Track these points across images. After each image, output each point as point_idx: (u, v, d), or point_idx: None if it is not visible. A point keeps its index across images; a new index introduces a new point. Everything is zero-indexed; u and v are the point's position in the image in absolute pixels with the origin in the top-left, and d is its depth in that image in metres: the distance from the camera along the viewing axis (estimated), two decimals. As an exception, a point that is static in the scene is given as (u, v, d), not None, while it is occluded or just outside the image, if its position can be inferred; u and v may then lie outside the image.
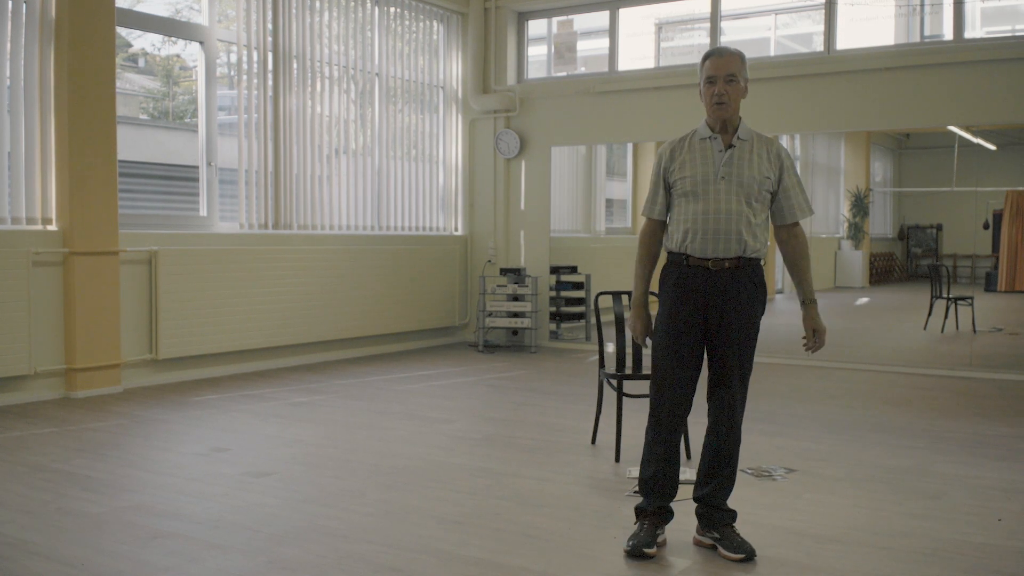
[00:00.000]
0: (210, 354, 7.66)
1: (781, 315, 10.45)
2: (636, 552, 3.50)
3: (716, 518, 3.59)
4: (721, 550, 3.51)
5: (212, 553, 3.51)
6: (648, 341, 3.75)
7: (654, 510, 3.64)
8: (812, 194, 10.77)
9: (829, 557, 3.50)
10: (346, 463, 4.91)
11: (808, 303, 3.62)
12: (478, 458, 5.04)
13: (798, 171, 3.62)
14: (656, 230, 3.70)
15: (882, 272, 11.03)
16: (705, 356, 3.63)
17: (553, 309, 10.17)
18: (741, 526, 3.67)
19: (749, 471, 4.73)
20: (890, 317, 10.90)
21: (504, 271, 9.77)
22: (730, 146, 3.54)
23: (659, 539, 3.61)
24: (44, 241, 6.59)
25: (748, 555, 3.46)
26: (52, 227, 6.67)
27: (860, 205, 10.79)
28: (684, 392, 3.61)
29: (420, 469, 4.78)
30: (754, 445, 5.32)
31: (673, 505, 3.71)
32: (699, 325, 3.56)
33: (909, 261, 10.85)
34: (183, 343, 7.40)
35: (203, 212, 7.87)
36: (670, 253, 3.64)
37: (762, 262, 3.62)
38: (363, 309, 9.05)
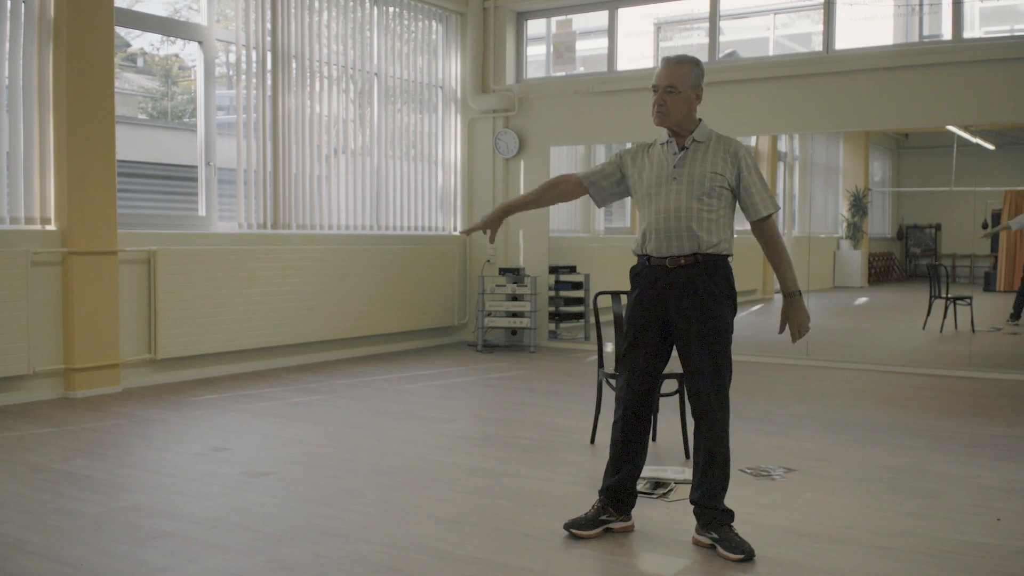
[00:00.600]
0: (209, 354, 7.66)
1: (778, 315, 10.45)
2: (566, 528, 3.67)
3: (713, 518, 3.60)
4: (720, 550, 3.51)
5: (211, 553, 3.51)
6: (489, 237, 3.99)
7: (603, 491, 3.76)
8: (811, 194, 10.77)
9: (828, 557, 3.50)
10: (345, 463, 4.91)
11: (788, 295, 3.66)
12: (477, 458, 5.04)
13: (758, 168, 3.65)
14: (572, 185, 3.89)
15: (881, 272, 11.03)
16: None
17: (552, 309, 10.18)
18: (740, 526, 3.67)
19: (748, 471, 4.74)
20: (889, 317, 10.90)
21: (503, 271, 9.77)
22: (683, 148, 3.64)
23: (612, 525, 3.71)
24: (43, 241, 6.58)
25: (747, 555, 3.46)
26: (51, 227, 6.67)
27: (859, 205, 10.79)
28: (642, 382, 3.71)
29: (419, 469, 4.78)
30: (753, 445, 5.33)
31: (666, 504, 3.71)
32: (659, 320, 3.65)
33: (908, 261, 10.85)
34: (182, 343, 7.40)
35: (202, 212, 7.87)
36: (637, 257, 3.75)
37: (729, 258, 3.67)
38: (362, 309, 9.05)
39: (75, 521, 3.88)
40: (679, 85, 3.58)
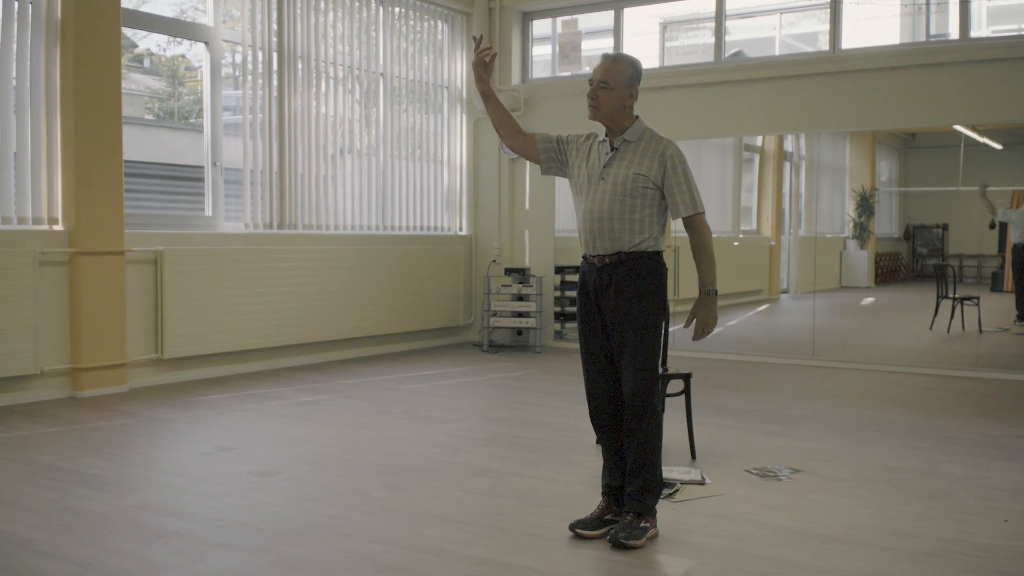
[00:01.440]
0: (215, 354, 7.67)
1: (784, 315, 10.44)
2: (571, 528, 3.73)
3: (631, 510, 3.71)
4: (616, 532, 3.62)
5: (217, 552, 3.52)
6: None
7: (603, 491, 3.85)
8: (817, 194, 10.75)
9: (834, 557, 3.50)
10: (351, 463, 4.91)
11: (702, 292, 3.69)
12: (482, 458, 5.05)
13: (685, 169, 3.67)
14: (525, 138, 3.96)
15: (887, 272, 11.00)
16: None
17: (558, 309, 10.17)
18: (747, 527, 3.67)
19: (754, 471, 4.73)
20: (895, 317, 10.88)
21: (509, 271, 9.77)
22: (614, 148, 3.71)
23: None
24: (50, 241, 6.60)
25: (612, 542, 3.57)
26: (58, 227, 6.69)
27: (865, 205, 10.76)
28: (598, 386, 3.81)
29: (424, 469, 4.79)
30: (758, 445, 5.32)
31: (672, 504, 3.79)
32: (597, 320, 3.76)
33: (915, 261, 10.82)
34: (188, 343, 7.41)
35: (208, 212, 7.88)
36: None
37: (659, 254, 3.72)
38: (368, 309, 9.06)
39: (82, 520, 3.89)
40: (611, 81, 3.67)
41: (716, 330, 3.86)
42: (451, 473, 4.71)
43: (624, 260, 3.66)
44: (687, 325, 3.71)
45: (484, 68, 3.86)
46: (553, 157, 3.94)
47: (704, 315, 3.67)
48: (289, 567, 3.37)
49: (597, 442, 5.30)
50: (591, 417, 3.88)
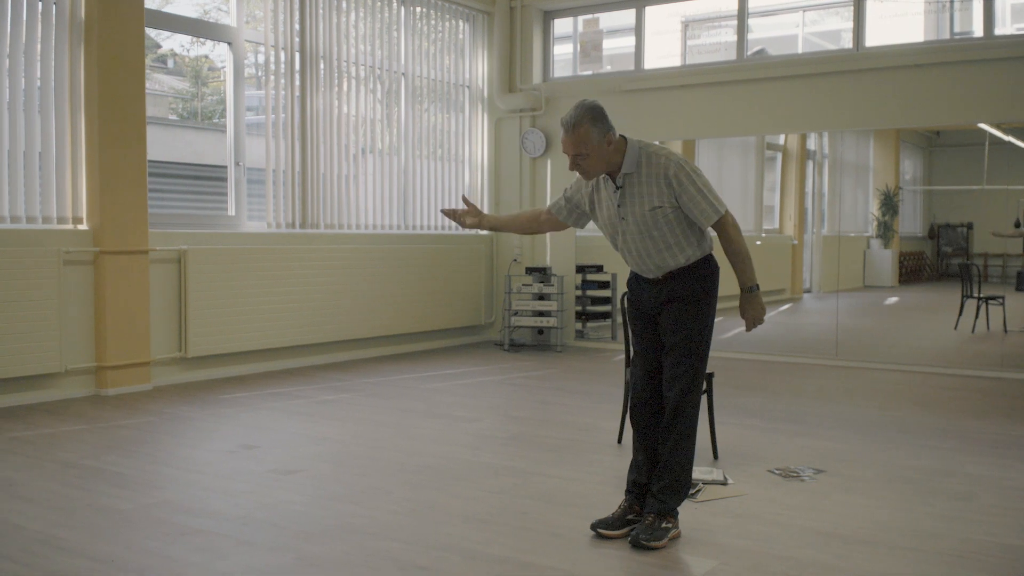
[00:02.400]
0: (238, 352, 7.71)
1: (807, 314, 10.39)
2: (593, 528, 3.72)
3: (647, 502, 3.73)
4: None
5: (240, 550, 3.54)
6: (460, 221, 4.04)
7: (628, 490, 3.85)
8: (840, 193, 10.69)
9: (857, 558, 3.48)
10: (373, 461, 4.93)
11: (744, 291, 3.71)
12: (504, 457, 5.05)
13: (694, 178, 3.60)
14: (541, 218, 4.02)
15: (912, 271, 10.94)
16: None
17: (579, 308, 10.16)
18: (769, 527, 3.65)
19: (777, 472, 4.71)
20: (920, 317, 10.81)
21: (530, 270, 9.77)
22: (618, 186, 3.67)
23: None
24: (75, 240, 6.66)
25: (633, 543, 3.57)
26: (83, 226, 6.74)
27: (889, 203, 10.70)
28: (643, 383, 3.84)
29: (446, 468, 4.79)
30: (782, 446, 5.30)
31: (694, 504, 3.79)
32: (649, 323, 3.81)
33: (939, 260, 10.75)
34: (212, 341, 7.45)
35: (231, 211, 7.93)
36: None
37: (709, 258, 3.74)
38: (389, 308, 9.08)
39: (106, 518, 3.92)
40: (584, 149, 3.56)
41: (738, 329, 3.91)
42: (473, 472, 4.71)
43: (676, 274, 3.69)
44: (748, 329, 3.78)
45: (461, 220, 4.03)
46: (574, 213, 3.94)
47: (753, 310, 3.71)
48: (311, 565, 3.39)
49: (619, 441, 5.31)
50: (630, 410, 3.89)
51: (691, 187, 3.58)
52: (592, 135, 3.54)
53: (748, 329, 3.77)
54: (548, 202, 10.13)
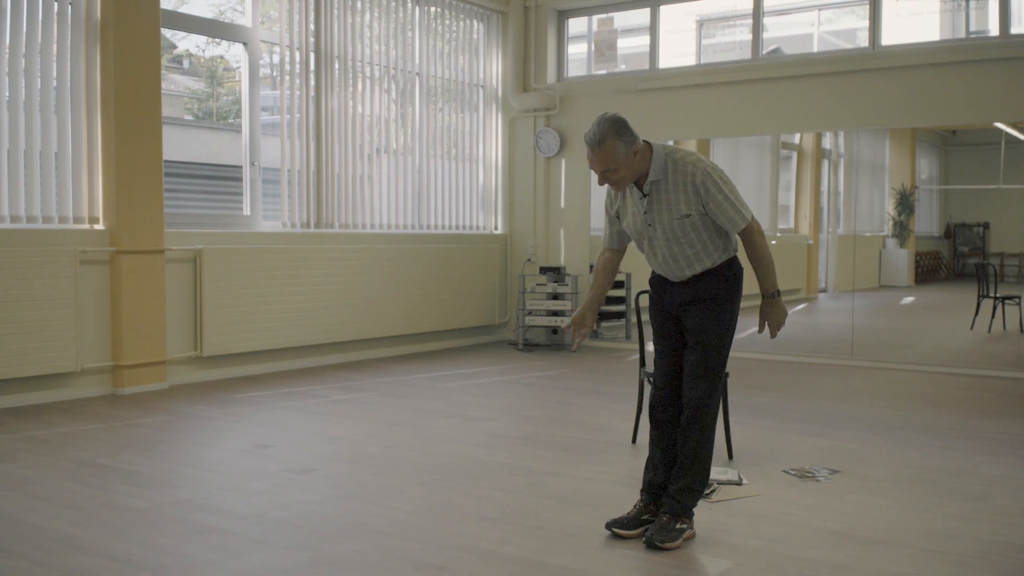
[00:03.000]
0: (253, 351, 7.74)
1: (822, 314, 10.35)
2: (607, 527, 3.72)
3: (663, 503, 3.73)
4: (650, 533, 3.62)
5: (255, 548, 3.55)
6: (572, 332, 3.95)
7: (643, 489, 3.85)
8: (856, 192, 10.65)
9: (873, 559, 3.46)
10: (387, 460, 4.93)
11: (766, 297, 3.72)
12: (518, 456, 5.05)
13: (720, 186, 3.60)
14: (611, 260, 3.96)
15: (928, 271, 10.89)
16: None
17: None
18: (784, 528, 3.64)
19: (792, 472, 4.70)
20: (936, 316, 10.75)
21: (544, 269, 9.77)
22: (645, 195, 3.65)
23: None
24: (91, 240, 6.69)
25: (648, 544, 3.57)
26: (99, 226, 6.78)
27: (905, 203, 10.66)
28: (664, 382, 3.84)
29: (460, 467, 4.80)
30: (797, 446, 5.28)
31: (709, 504, 3.79)
32: (672, 323, 3.82)
33: (956, 260, 10.70)
34: (227, 340, 7.48)
35: (246, 211, 7.95)
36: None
37: (733, 260, 3.75)
38: (403, 307, 9.09)
39: (122, 516, 3.94)
40: (612, 164, 3.53)
41: (751, 330, 3.90)
42: (487, 472, 4.71)
43: (701, 276, 3.70)
44: (760, 330, 3.78)
45: (582, 335, 3.95)
46: (624, 232, 3.91)
47: (775, 316, 3.72)
48: (326, 564, 3.39)
49: (634, 441, 5.30)
50: (650, 408, 3.89)
51: (718, 195, 3.57)
52: (619, 149, 3.52)
53: (772, 335, 3.77)
54: (562, 202, 10.14)
